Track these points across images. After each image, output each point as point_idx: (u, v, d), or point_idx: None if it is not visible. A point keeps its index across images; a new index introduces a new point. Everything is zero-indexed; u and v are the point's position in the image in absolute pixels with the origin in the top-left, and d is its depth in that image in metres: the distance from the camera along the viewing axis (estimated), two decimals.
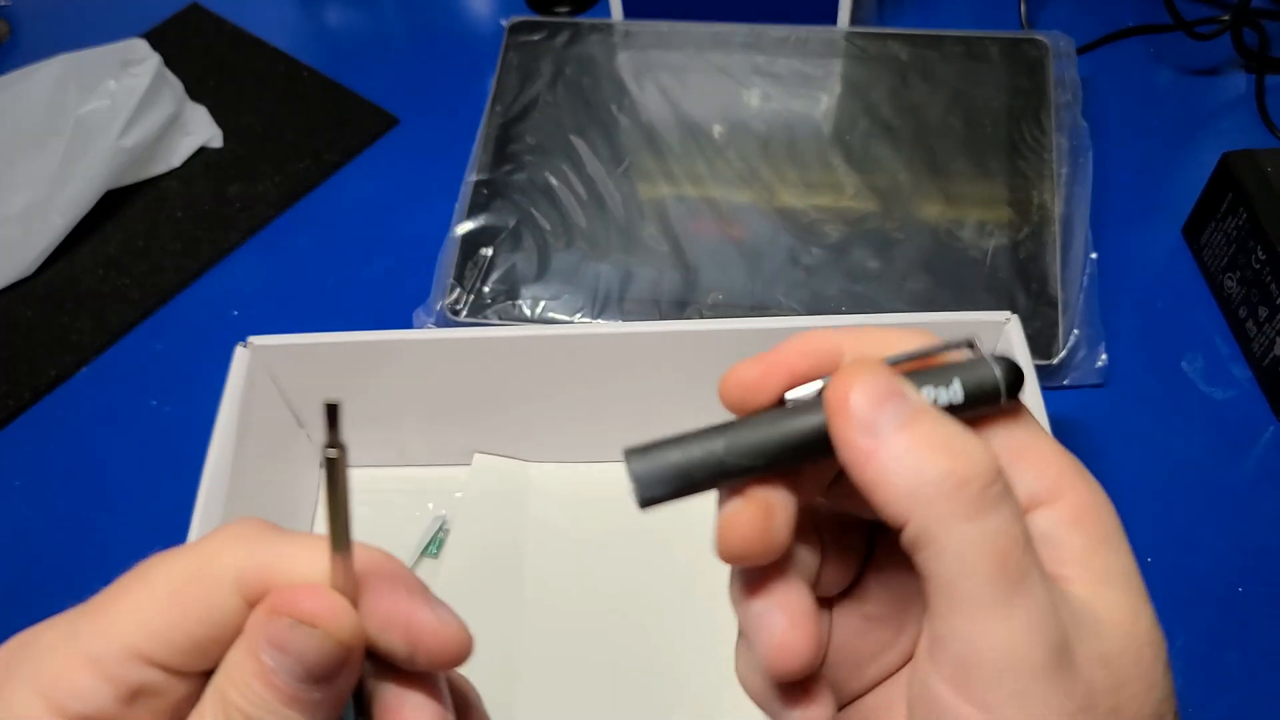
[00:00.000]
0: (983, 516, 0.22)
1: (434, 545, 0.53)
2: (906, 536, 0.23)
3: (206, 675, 0.23)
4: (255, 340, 0.49)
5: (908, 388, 0.23)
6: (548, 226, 0.63)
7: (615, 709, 0.49)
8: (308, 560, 0.23)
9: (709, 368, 0.50)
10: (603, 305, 0.60)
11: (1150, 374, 0.58)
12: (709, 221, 0.62)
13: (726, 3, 0.71)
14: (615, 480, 0.55)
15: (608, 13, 0.73)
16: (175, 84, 0.72)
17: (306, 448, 0.55)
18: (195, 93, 0.74)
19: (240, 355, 0.49)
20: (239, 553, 0.23)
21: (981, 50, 0.68)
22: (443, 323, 0.61)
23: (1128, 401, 0.57)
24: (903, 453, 0.22)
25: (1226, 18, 0.69)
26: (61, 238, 0.67)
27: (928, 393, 0.24)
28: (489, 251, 0.62)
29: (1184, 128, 0.69)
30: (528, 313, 0.60)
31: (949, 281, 0.58)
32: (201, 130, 0.73)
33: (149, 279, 0.66)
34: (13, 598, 0.54)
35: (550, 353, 0.50)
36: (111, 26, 0.77)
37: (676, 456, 0.24)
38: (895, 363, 0.24)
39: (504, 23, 0.73)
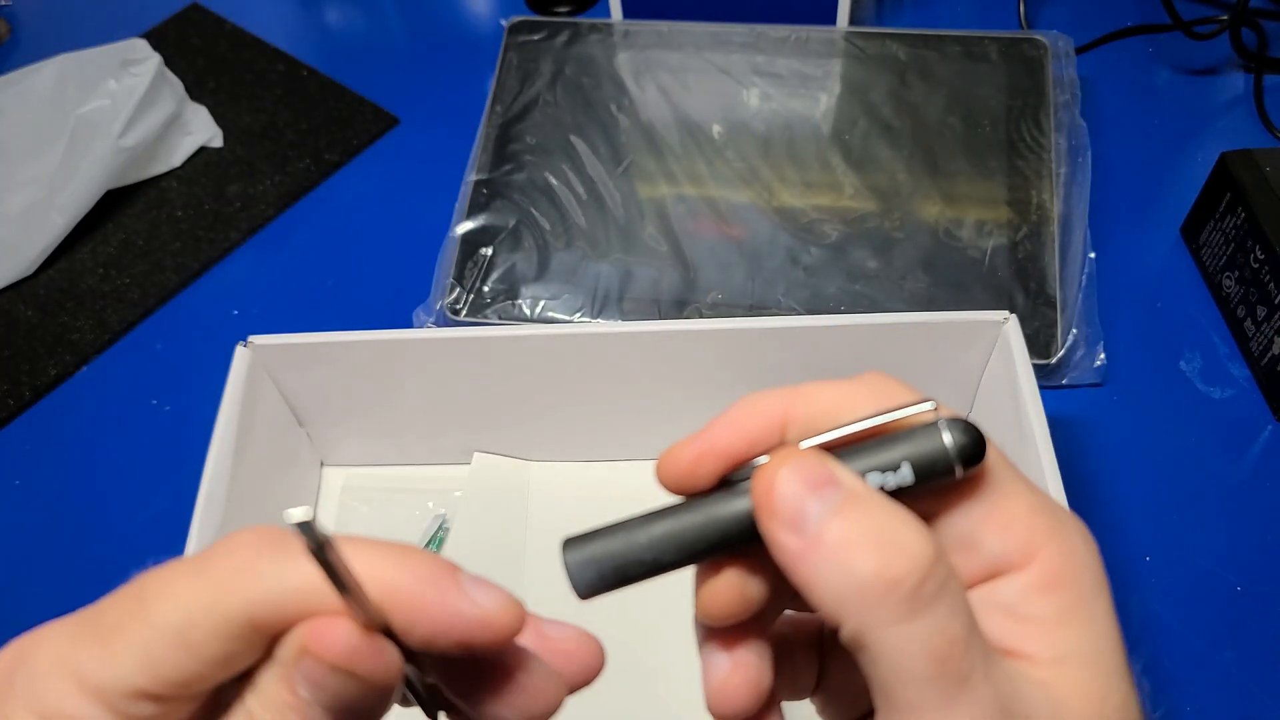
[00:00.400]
0: (916, 618, 0.20)
1: (434, 544, 0.53)
2: (843, 639, 0.21)
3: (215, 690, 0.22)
4: (255, 340, 0.49)
5: (841, 473, 0.22)
6: (547, 226, 0.63)
7: (615, 707, 0.49)
8: (324, 584, 0.21)
9: (709, 367, 0.50)
10: (602, 305, 0.60)
11: (1148, 373, 0.58)
12: (708, 221, 0.62)
13: (726, 3, 0.71)
14: (615, 479, 0.55)
15: (607, 13, 0.73)
16: (175, 84, 0.72)
17: (307, 447, 0.55)
18: (195, 93, 0.74)
19: (240, 355, 0.49)
20: (249, 583, 0.21)
21: (980, 50, 0.68)
22: (443, 322, 0.61)
23: (1126, 401, 0.57)
24: (830, 552, 0.21)
25: (1225, 17, 0.69)
26: (62, 237, 0.67)
27: (873, 478, 0.22)
28: (489, 251, 0.62)
29: (1183, 127, 0.69)
30: (527, 312, 0.60)
31: (948, 281, 0.59)
32: (201, 130, 0.73)
33: (149, 278, 0.66)
34: (13, 597, 0.54)
35: (550, 352, 0.50)
36: (111, 26, 0.77)
37: (611, 552, 0.24)
38: (841, 436, 0.23)
39: (504, 23, 0.73)
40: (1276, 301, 0.55)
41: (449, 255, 0.62)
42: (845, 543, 0.21)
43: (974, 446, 0.22)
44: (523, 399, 0.52)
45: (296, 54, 0.79)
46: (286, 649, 0.21)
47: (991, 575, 0.23)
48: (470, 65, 0.77)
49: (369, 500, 0.55)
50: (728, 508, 0.23)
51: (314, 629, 0.21)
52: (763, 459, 0.23)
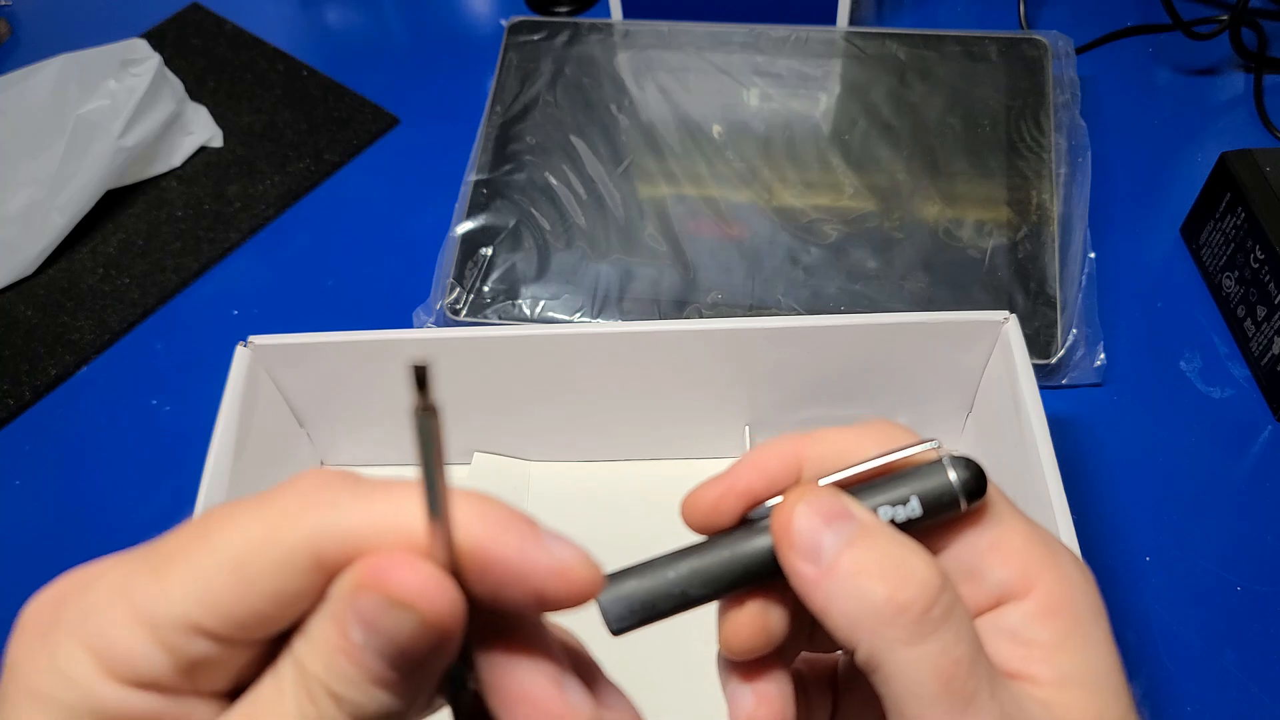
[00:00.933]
0: (924, 640, 0.22)
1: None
2: (858, 661, 0.23)
3: (273, 640, 0.21)
4: (255, 340, 0.49)
5: (854, 507, 0.24)
6: (547, 226, 0.63)
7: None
8: (398, 519, 0.20)
9: (708, 367, 0.50)
10: (602, 305, 0.60)
11: (1148, 373, 0.58)
12: (708, 221, 0.62)
13: (726, 3, 0.71)
14: (615, 480, 0.55)
15: (607, 13, 0.73)
16: (175, 84, 0.72)
17: (307, 447, 0.55)
18: (195, 92, 0.74)
19: (240, 355, 0.49)
20: (315, 517, 0.20)
21: (980, 50, 0.68)
22: (443, 322, 0.61)
23: (1126, 401, 0.57)
24: (844, 579, 0.23)
25: (1225, 17, 0.69)
26: (62, 237, 0.67)
27: (884, 511, 0.24)
28: (489, 251, 0.62)
29: (1182, 127, 0.69)
30: (527, 312, 0.60)
31: (948, 281, 0.59)
32: (202, 130, 0.73)
33: (149, 278, 0.66)
34: (12, 598, 0.54)
35: (550, 352, 0.50)
36: (112, 26, 0.77)
37: (641, 588, 0.25)
38: (853, 475, 0.25)
39: (504, 22, 0.73)
40: (1276, 301, 0.55)
41: (449, 255, 0.62)
42: (858, 570, 0.23)
43: (976, 481, 0.24)
44: (523, 399, 0.52)
45: (296, 54, 0.79)
46: (341, 585, 0.20)
47: (996, 603, 0.24)
48: (470, 65, 0.77)
49: None
50: (750, 543, 0.25)
51: (375, 559, 0.19)
52: (779, 499, 0.25)
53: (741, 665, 0.26)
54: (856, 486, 0.25)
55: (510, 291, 0.60)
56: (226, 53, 0.79)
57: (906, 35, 0.69)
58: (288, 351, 0.49)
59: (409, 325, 0.61)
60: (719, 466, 0.58)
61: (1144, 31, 0.73)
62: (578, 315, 0.59)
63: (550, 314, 0.60)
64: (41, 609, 0.21)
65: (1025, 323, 0.55)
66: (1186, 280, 0.62)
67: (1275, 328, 0.55)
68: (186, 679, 0.20)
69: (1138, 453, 0.56)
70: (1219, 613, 0.50)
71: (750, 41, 0.70)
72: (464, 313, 0.60)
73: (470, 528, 0.20)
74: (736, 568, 0.24)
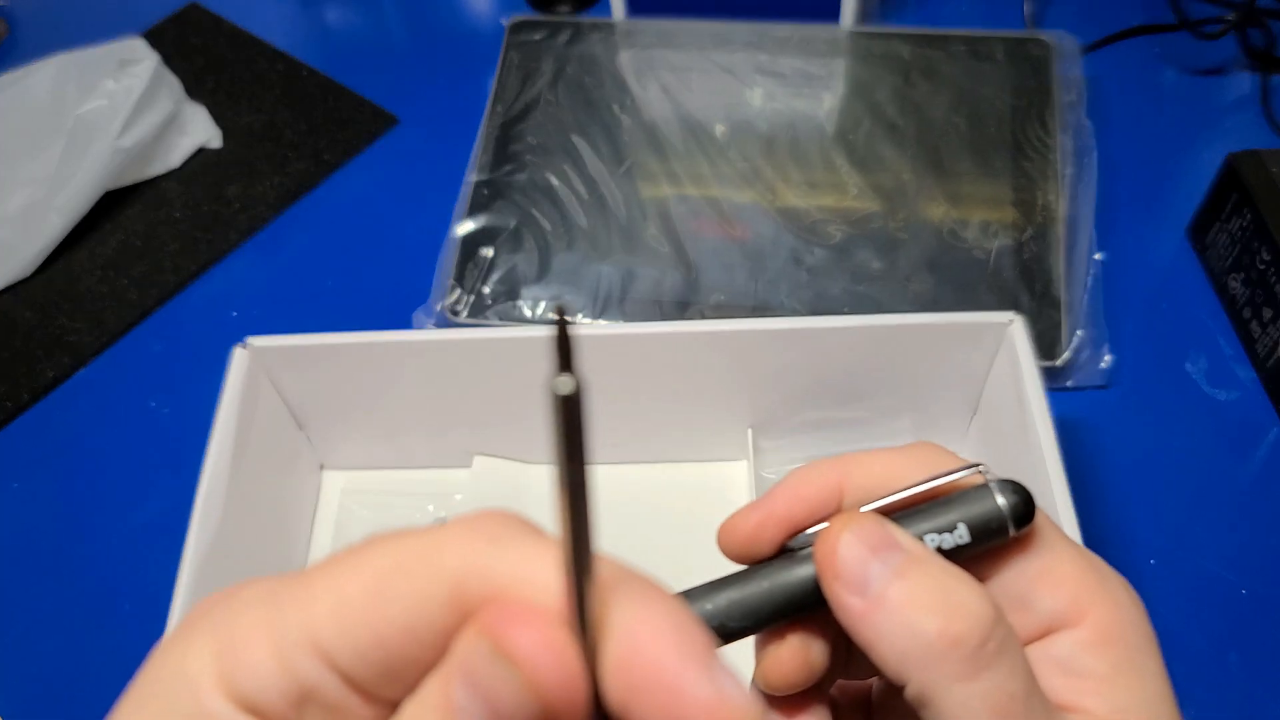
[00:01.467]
0: (979, 676, 0.21)
1: None
2: (908, 696, 0.22)
3: (394, 707, 0.19)
4: (254, 341, 0.49)
5: (901, 536, 0.23)
6: (548, 227, 0.62)
7: None
8: (552, 576, 0.18)
9: (711, 369, 0.50)
10: (604, 306, 0.59)
11: (1154, 375, 0.58)
12: (711, 222, 0.62)
13: (729, 1, 0.70)
14: (617, 483, 0.55)
15: (609, 11, 0.73)
16: (174, 83, 0.72)
17: (307, 450, 0.55)
18: (194, 92, 0.74)
19: (239, 356, 0.48)
20: (468, 551, 0.18)
21: (986, 49, 0.67)
22: (443, 323, 0.60)
23: (1131, 402, 0.57)
24: (894, 613, 0.22)
25: (1232, 17, 0.68)
26: (60, 238, 0.66)
27: (930, 538, 0.23)
28: (489, 252, 0.62)
29: (1189, 128, 0.69)
30: (528, 313, 0.59)
31: (953, 282, 0.58)
32: (200, 130, 0.72)
33: (148, 279, 0.66)
34: (10, 601, 0.54)
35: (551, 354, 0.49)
36: (110, 26, 0.76)
37: None
38: (897, 501, 0.24)
39: (504, 22, 0.72)
40: None
41: (449, 256, 0.62)
42: (909, 603, 0.22)
43: (1025, 506, 0.23)
44: (524, 401, 0.52)
45: (296, 54, 0.78)
46: (460, 639, 0.18)
47: (1045, 632, 0.24)
48: (470, 65, 0.76)
49: (369, 504, 0.55)
50: (791, 573, 0.24)
51: (494, 607, 0.17)
52: (821, 526, 0.24)
53: (779, 700, 0.25)
54: (900, 513, 0.24)
55: (511, 292, 0.60)
56: (225, 52, 0.79)
57: (911, 34, 0.69)
58: (286, 353, 0.49)
59: (409, 326, 0.61)
60: (722, 470, 0.58)
61: (1150, 31, 0.72)
62: (579, 316, 0.59)
63: (551, 315, 0.59)
64: (206, 603, 0.20)
65: (1030, 324, 0.55)
66: (1193, 282, 0.62)
67: None
68: (295, 713, 0.18)
69: (1143, 455, 0.55)
70: (1224, 615, 0.50)
71: (754, 40, 0.70)
72: (464, 314, 0.60)
73: (631, 625, 0.18)
74: (778, 599, 0.24)
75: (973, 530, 0.23)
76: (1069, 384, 0.57)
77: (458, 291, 0.60)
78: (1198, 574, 0.51)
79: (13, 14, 0.84)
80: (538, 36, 0.71)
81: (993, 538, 0.23)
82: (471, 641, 0.17)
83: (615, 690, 0.17)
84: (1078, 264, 0.59)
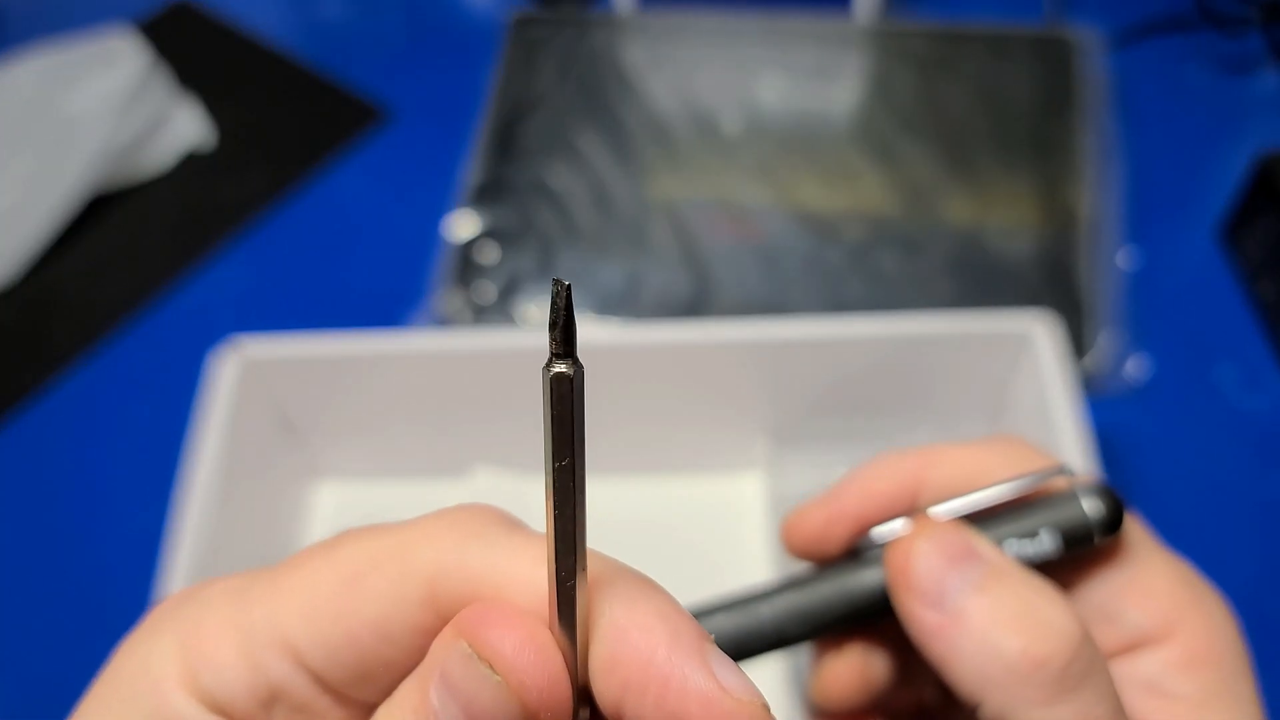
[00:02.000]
0: (1064, 699, 0.20)
1: None
2: (981, 717, 0.21)
3: (368, 711, 0.18)
4: (244, 342, 0.48)
5: (981, 545, 0.21)
6: (550, 226, 0.61)
7: None
8: (533, 574, 0.17)
9: (721, 375, 0.48)
10: (606, 308, 0.58)
11: (1182, 381, 0.57)
12: (722, 222, 0.60)
13: None
14: (624, 494, 0.53)
15: (615, 5, 0.72)
16: (163, 81, 0.70)
17: (298, 455, 0.53)
18: (185, 88, 0.73)
19: (229, 360, 0.47)
20: (445, 546, 0.17)
21: (1007, 45, 0.66)
22: (440, 325, 0.59)
23: (1158, 409, 0.56)
24: (973, 630, 0.20)
25: (1258, 13, 0.67)
26: (46, 240, 0.65)
27: (1010, 546, 0.22)
28: (489, 253, 0.60)
29: (1215, 126, 0.68)
30: (528, 315, 0.58)
31: (974, 286, 0.57)
32: (191, 128, 0.71)
33: (135, 281, 0.65)
34: None
35: None
36: (98, 21, 0.75)
37: (731, 623, 0.23)
38: (976, 502, 0.23)
39: (507, 17, 0.71)
40: None
41: (447, 257, 0.61)
42: (990, 620, 0.20)
43: (1114, 513, 0.22)
44: (523, 408, 0.51)
45: (289, 48, 0.77)
46: (438, 640, 0.17)
47: (1130, 648, 0.22)
48: (471, 60, 0.75)
49: (365, 517, 0.53)
50: (858, 579, 0.23)
51: (479, 606, 0.16)
52: (894, 525, 0.23)
53: (836, 716, 0.24)
54: (979, 515, 0.23)
55: (510, 293, 0.59)
56: (217, 49, 0.78)
57: (930, 28, 0.68)
58: (278, 356, 0.48)
59: (403, 327, 0.60)
60: (735, 480, 0.56)
61: (1174, 27, 0.71)
62: (580, 319, 0.57)
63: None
64: (171, 600, 0.19)
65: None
66: (1222, 285, 0.60)
67: None
68: (263, 713, 0.18)
69: (1169, 464, 0.54)
70: (1256, 631, 0.48)
71: (764, 33, 0.69)
72: (463, 315, 0.59)
73: (621, 622, 0.17)
74: (841, 606, 0.23)
75: (1057, 539, 0.22)
76: (1094, 390, 0.56)
77: (456, 294, 0.59)
78: (1227, 585, 0.49)
79: (0, 11, 0.83)
80: (541, 31, 0.70)
81: (1078, 546, 0.22)
82: (449, 643, 0.16)
83: (608, 690, 0.17)
84: (1103, 267, 0.58)
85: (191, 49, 0.77)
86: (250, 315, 0.63)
